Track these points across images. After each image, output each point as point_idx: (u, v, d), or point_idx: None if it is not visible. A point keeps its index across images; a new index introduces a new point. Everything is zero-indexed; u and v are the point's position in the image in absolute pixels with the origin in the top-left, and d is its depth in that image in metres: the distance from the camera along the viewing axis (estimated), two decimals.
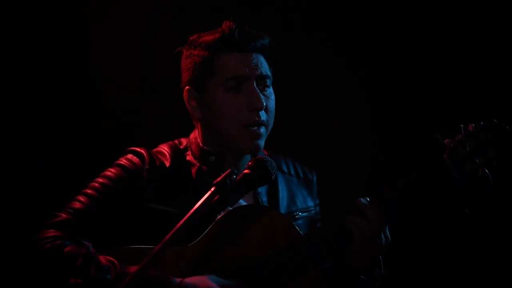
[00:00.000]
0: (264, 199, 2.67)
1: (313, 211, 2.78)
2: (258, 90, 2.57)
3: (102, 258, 2.30)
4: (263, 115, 2.57)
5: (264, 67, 2.60)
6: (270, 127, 2.63)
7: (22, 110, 3.24)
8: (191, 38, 2.65)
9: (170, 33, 3.35)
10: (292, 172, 2.82)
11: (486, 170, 2.36)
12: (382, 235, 2.43)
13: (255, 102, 2.55)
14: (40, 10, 3.27)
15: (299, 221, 2.68)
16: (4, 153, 3.21)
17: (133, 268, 2.25)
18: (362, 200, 2.44)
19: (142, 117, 3.40)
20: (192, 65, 2.61)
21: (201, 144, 2.66)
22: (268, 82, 2.62)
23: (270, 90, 2.63)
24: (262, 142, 2.59)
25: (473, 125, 2.40)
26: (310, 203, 2.79)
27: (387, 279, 2.54)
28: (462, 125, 2.41)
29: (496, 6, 3.30)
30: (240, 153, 2.63)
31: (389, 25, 3.44)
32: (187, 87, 2.64)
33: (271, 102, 2.62)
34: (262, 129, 2.58)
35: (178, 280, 2.31)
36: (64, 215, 2.47)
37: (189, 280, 2.32)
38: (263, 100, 2.56)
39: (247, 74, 2.56)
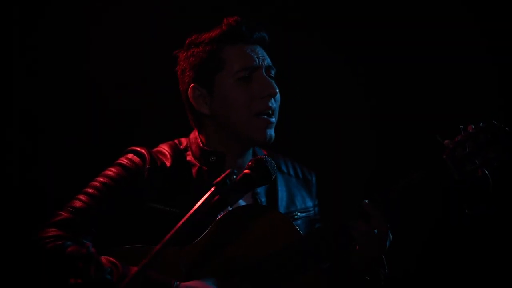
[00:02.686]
0: (263, 199, 2.67)
1: (312, 212, 2.78)
2: (269, 78, 2.60)
3: (104, 259, 2.30)
4: (273, 102, 2.59)
5: (268, 59, 2.65)
6: (276, 118, 2.64)
7: (22, 110, 3.24)
8: (190, 39, 2.67)
9: (170, 33, 3.35)
10: (292, 172, 2.82)
11: (486, 171, 2.36)
12: (384, 235, 2.43)
13: (268, 88, 2.58)
14: (40, 10, 3.27)
15: (298, 222, 2.68)
16: (4, 153, 3.21)
17: (135, 270, 2.25)
18: (365, 201, 2.45)
19: (142, 117, 3.40)
20: (197, 62, 2.62)
21: (201, 145, 2.66)
22: (273, 73, 2.66)
23: (274, 82, 2.64)
24: (273, 132, 2.61)
25: (473, 126, 2.40)
26: (309, 204, 2.79)
27: (391, 278, 2.54)
28: (461, 126, 2.42)
29: (496, 6, 3.30)
30: (252, 144, 2.63)
31: (389, 24, 3.43)
32: (192, 85, 2.63)
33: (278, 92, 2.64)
34: (273, 118, 2.61)
35: (180, 284, 2.31)
36: (65, 214, 2.47)
37: (189, 284, 2.32)
38: (276, 87, 2.59)
39: (256, 64, 2.60)
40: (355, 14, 3.48)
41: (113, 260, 2.32)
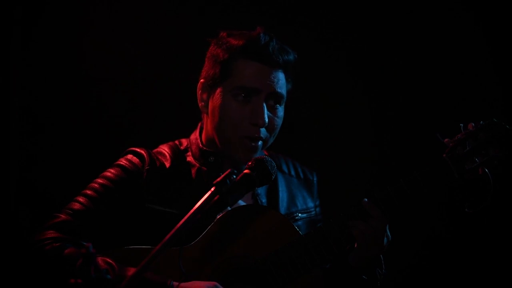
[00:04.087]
0: (264, 200, 2.66)
1: (313, 212, 2.77)
2: (265, 107, 2.55)
3: (100, 261, 2.29)
4: (263, 131, 2.57)
5: (280, 85, 2.58)
6: (269, 143, 2.63)
7: (22, 110, 3.24)
8: (221, 34, 2.63)
9: (171, 33, 3.35)
10: (293, 172, 2.82)
11: (486, 170, 2.36)
12: (383, 235, 2.43)
13: (258, 118, 2.54)
14: (41, 10, 3.27)
15: (299, 222, 2.68)
16: (4, 153, 3.21)
17: (132, 270, 2.25)
18: (365, 200, 2.44)
19: (141, 118, 3.40)
20: (212, 62, 2.61)
21: (200, 145, 2.66)
22: (282, 101, 2.61)
23: (280, 108, 2.61)
24: (257, 155, 2.59)
25: (473, 124, 2.40)
26: (310, 204, 2.78)
27: (388, 278, 2.54)
28: (462, 124, 2.41)
29: (496, 6, 3.30)
30: (233, 159, 2.63)
31: (390, 23, 3.43)
32: (202, 80, 2.64)
33: (277, 120, 2.60)
34: (260, 143, 2.58)
35: (175, 284, 2.31)
36: (63, 216, 2.47)
37: (186, 285, 2.32)
38: (266, 118, 2.54)
39: (259, 88, 2.55)
40: (355, 13, 3.48)
41: (110, 260, 2.32)
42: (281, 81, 2.59)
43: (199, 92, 2.65)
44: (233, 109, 2.55)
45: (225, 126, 2.57)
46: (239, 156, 2.58)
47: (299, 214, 2.71)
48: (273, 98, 2.58)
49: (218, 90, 2.58)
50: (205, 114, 2.67)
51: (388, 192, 2.43)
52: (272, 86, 2.56)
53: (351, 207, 2.45)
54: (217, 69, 2.58)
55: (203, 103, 2.65)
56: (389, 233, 2.46)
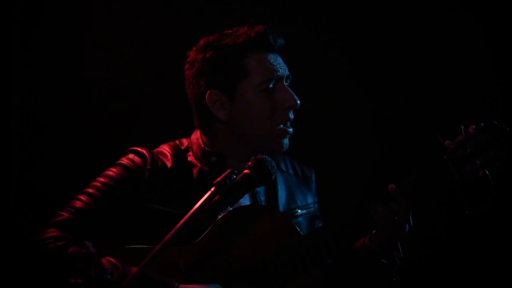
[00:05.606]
0: (263, 198, 2.67)
1: (312, 208, 2.78)
2: (290, 89, 2.60)
3: (104, 260, 2.30)
4: (292, 113, 2.60)
5: (286, 67, 2.65)
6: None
7: (22, 110, 3.24)
8: (207, 40, 2.62)
9: (171, 33, 3.35)
10: (291, 171, 2.82)
11: (487, 171, 2.36)
12: (405, 221, 2.43)
13: (290, 101, 2.58)
14: (41, 10, 3.27)
15: (299, 218, 2.69)
16: (4, 153, 3.21)
17: (135, 270, 2.25)
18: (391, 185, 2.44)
19: (142, 117, 3.40)
20: (218, 67, 2.58)
21: (202, 145, 2.66)
22: (289, 81, 2.66)
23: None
24: (288, 141, 2.62)
25: (474, 126, 2.41)
26: (310, 200, 2.79)
27: (404, 262, 2.53)
28: (462, 127, 2.42)
29: (496, 6, 3.30)
30: (266, 152, 2.63)
31: (390, 23, 3.43)
32: (210, 90, 2.60)
33: None
34: (291, 128, 2.62)
35: (179, 285, 2.31)
36: (65, 214, 2.47)
37: (191, 287, 2.32)
38: (298, 99, 2.59)
39: (279, 74, 2.59)
40: (354, 12, 3.48)
41: (113, 260, 2.32)
42: (284, 63, 2.64)
43: (209, 102, 2.60)
44: (264, 104, 2.57)
45: (258, 121, 2.57)
46: (276, 146, 2.58)
47: (299, 210, 2.72)
48: (287, 80, 2.63)
49: (239, 91, 2.58)
50: (221, 121, 2.62)
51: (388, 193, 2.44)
52: (286, 69, 2.63)
53: (373, 192, 2.45)
54: (229, 71, 2.57)
55: (217, 111, 2.60)
56: (411, 220, 2.45)
